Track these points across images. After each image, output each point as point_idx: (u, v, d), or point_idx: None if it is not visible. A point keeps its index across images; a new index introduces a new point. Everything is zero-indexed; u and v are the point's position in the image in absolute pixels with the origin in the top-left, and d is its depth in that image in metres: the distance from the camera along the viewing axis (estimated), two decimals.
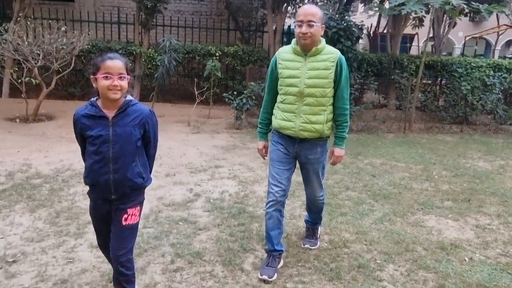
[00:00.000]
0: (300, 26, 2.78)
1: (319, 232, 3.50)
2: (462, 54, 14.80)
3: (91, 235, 3.42)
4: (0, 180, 4.53)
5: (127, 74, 2.19)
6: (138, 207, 2.39)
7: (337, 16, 8.70)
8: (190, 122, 8.00)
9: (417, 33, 15.02)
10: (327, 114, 2.91)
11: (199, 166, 5.41)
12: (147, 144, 2.39)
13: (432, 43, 12.46)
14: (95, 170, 2.24)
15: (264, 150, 3.22)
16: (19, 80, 7.29)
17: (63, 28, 7.06)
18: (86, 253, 3.16)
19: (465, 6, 7.25)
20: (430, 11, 7.89)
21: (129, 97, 2.29)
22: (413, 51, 16.73)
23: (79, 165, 5.04)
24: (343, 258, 3.28)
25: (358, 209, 4.25)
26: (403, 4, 7.14)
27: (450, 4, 7.22)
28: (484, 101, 8.75)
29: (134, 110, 2.28)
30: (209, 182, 4.81)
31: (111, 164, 2.23)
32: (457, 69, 9.15)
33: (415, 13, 9.48)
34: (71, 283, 2.78)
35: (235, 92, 8.00)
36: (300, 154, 3.03)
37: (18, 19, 8.01)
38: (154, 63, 9.37)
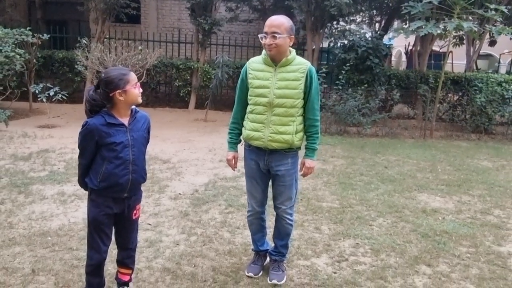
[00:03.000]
0: (266, 37, 2.79)
1: (284, 264, 3.29)
2: (496, 72, 15.48)
3: (169, 193, 4.90)
4: None
5: None
6: (140, 202, 2.74)
7: (368, 36, 9.96)
8: None
9: (451, 51, 15.91)
10: (296, 125, 2.90)
11: None
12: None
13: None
14: (116, 173, 2.43)
15: (233, 160, 3.18)
16: None
17: (140, 47, 8.78)
18: (167, 201, 4.62)
19: (476, 28, 8.33)
20: (447, 32, 9.00)
21: (133, 106, 2.54)
22: (448, 68, 17.56)
23: (153, 151, 6.58)
24: (347, 213, 4.55)
25: (366, 187, 5.49)
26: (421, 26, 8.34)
27: (465, 27, 8.34)
28: (502, 113, 9.70)
29: (140, 116, 2.57)
30: None
31: (131, 166, 2.48)
32: (478, 84, 10.13)
33: (445, 33, 10.56)
34: (160, 215, 4.23)
35: None
36: (271, 166, 2.98)
37: (105, 40, 9.84)
38: (208, 76, 10.98)
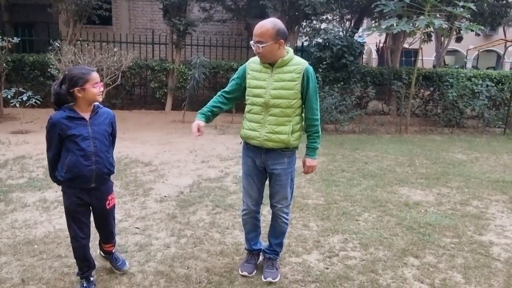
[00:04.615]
0: (253, 45, 2.85)
1: (278, 262, 3.32)
2: (463, 67, 15.95)
3: (154, 195, 4.86)
4: None
5: None
6: (113, 191, 2.92)
7: (342, 34, 10.11)
8: (217, 126, 9.44)
9: (421, 48, 16.32)
10: (292, 125, 2.91)
11: (226, 156, 6.82)
12: (112, 139, 2.87)
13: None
14: (80, 164, 2.61)
15: (199, 128, 2.98)
16: None
17: (115, 49, 8.64)
18: (153, 204, 4.58)
19: (446, 25, 8.58)
20: (416, 29, 9.24)
21: (95, 103, 2.73)
22: (418, 64, 18.00)
23: (133, 154, 6.52)
24: (333, 209, 4.62)
25: (349, 183, 5.58)
26: (393, 24, 8.53)
27: (436, 24, 8.57)
28: (472, 107, 10.02)
29: (103, 112, 2.76)
30: (235, 166, 6.20)
31: (93, 157, 2.65)
32: (449, 79, 10.43)
33: (413, 32, 10.82)
34: (148, 218, 4.20)
35: None
36: (267, 164, 3.01)
37: (78, 42, 9.63)
38: (184, 77, 10.90)
